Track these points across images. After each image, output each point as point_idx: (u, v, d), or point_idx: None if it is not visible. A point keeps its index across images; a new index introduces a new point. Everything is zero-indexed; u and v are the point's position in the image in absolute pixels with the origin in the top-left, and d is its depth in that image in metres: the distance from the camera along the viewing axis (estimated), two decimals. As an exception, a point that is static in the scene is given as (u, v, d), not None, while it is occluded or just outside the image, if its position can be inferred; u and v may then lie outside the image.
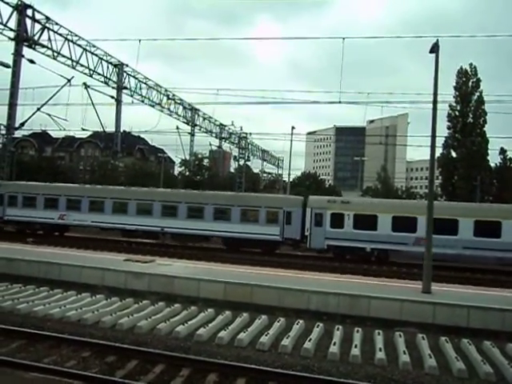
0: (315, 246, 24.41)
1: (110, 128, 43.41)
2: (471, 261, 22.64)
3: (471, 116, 46.46)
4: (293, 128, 44.12)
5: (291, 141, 44.38)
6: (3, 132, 38.16)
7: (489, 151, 46.21)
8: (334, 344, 9.12)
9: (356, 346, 9.02)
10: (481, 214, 22.77)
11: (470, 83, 46.76)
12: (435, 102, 13.46)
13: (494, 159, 49.83)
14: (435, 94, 13.39)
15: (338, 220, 23.86)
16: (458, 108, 46.68)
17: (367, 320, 10.98)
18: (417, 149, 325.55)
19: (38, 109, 34.55)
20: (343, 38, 28.86)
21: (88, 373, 7.16)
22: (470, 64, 47.21)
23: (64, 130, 38.14)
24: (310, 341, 9.20)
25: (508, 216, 22.10)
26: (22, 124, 34.93)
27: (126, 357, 8.07)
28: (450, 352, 8.96)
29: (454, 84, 46.88)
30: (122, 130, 45.38)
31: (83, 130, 40.12)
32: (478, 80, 46.68)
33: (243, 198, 28.90)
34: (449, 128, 46.93)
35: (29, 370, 6.94)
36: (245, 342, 9.21)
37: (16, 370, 6.90)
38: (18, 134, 42.84)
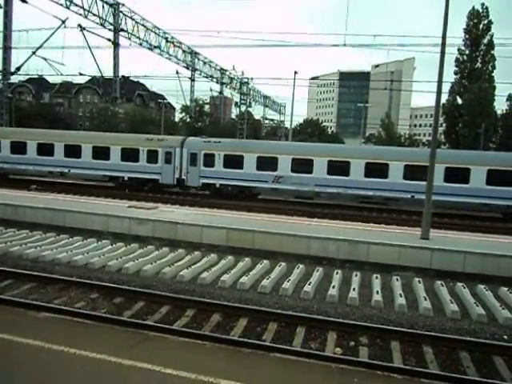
0: None
1: (108, 73, 42.34)
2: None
3: (480, 61, 44.87)
4: (295, 73, 42.93)
5: (294, 86, 43.27)
6: (-1, 77, 37.35)
7: (495, 98, 45.06)
8: (333, 287, 9.44)
9: (354, 289, 9.34)
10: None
11: (481, 25, 44.67)
12: (443, 45, 12.82)
13: (500, 106, 48.77)
14: (444, 35, 12.71)
15: None
16: (467, 52, 44.97)
17: (366, 265, 11.29)
18: (422, 95, 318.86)
19: (34, 52, 33.51)
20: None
21: (97, 313, 7.50)
22: (482, 4, 44.83)
23: (61, 74, 37.36)
24: (309, 284, 9.53)
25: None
26: (18, 68, 34.05)
27: (133, 298, 8.43)
28: (445, 295, 9.30)
29: (464, 26, 44.88)
30: (120, 75, 44.28)
31: (81, 74, 39.32)
32: (490, 22, 44.44)
33: None
34: (456, 73, 45.48)
35: (41, 310, 7.25)
36: (247, 285, 9.55)
37: (28, 310, 7.21)
38: (14, 79, 41.90)
